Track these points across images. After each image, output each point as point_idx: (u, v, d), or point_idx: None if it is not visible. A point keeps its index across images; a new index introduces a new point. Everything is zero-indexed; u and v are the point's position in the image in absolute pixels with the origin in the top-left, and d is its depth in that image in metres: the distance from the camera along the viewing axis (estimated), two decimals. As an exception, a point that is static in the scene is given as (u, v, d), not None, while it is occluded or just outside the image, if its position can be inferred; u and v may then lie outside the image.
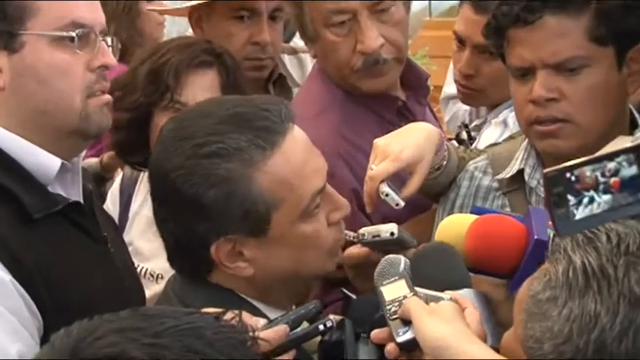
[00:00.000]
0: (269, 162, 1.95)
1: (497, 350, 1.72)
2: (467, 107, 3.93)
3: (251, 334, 1.44)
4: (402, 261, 1.94)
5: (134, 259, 2.67)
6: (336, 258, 2.11)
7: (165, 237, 2.05)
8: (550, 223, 1.79)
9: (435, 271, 1.95)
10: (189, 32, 3.53)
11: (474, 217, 2.09)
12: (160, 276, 2.78)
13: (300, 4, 2.77)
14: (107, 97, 2.25)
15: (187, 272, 2.05)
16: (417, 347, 1.72)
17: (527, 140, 2.46)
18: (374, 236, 2.25)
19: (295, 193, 1.97)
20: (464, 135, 3.50)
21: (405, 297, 1.80)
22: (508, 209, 2.41)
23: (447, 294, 1.85)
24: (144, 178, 2.97)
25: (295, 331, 1.84)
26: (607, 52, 2.32)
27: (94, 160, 3.65)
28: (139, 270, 2.78)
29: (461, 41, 3.40)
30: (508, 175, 2.47)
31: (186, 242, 1.99)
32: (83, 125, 2.19)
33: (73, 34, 2.15)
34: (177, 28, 5.40)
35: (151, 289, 2.65)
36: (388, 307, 1.80)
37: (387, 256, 1.97)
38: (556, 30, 2.29)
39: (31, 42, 2.14)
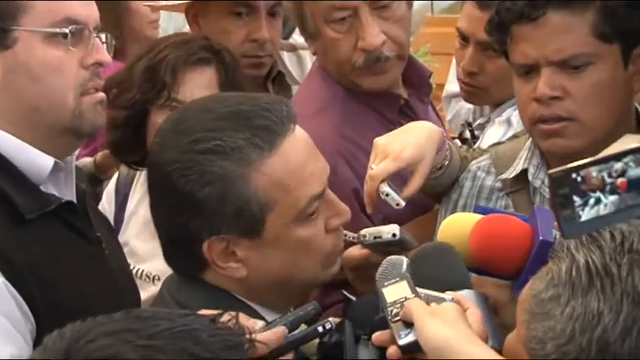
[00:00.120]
0: (266, 162, 1.93)
1: (499, 352, 1.72)
2: (470, 106, 3.91)
3: (248, 336, 1.44)
4: (405, 262, 1.93)
5: (130, 260, 2.67)
6: (333, 268, 2.08)
7: (160, 232, 2.04)
8: (555, 223, 1.77)
9: (434, 271, 1.93)
10: (186, 29, 3.52)
11: (478, 216, 2.08)
12: (156, 277, 2.77)
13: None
14: (101, 94, 2.23)
15: (182, 270, 2.04)
16: (420, 350, 1.71)
17: (531, 139, 2.44)
18: (375, 237, 2.23)
19: (291, 196, 1.95)
20: (467, 134, 3.49)
21: (406, 299, 1.79)
22: (512, 210, 2.39)
23: (449, 294, 1.84)
24: (140, 177, 2.96)
25: (294, 333, 1.82)
26: (612, 49, 2.30)
27: (88, 160, 3.63)
28: (134, 271, 2.78)
29: (464, 38, 3.38)
30: (511, 175, 2.46)
31: (179, 238, 1.98)
32: (76, 123, 2.18)
33: (67, 31, 2.14)
34: (173, 24, 5.38)
35: (148, 291, 2.64)
36: (389, 309, 1.78)
37: (389, 257, 1.96)
38: (560, 26, 2.27)
39: (23, 38, 2.13)
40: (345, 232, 2.15)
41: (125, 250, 2.68)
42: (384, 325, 1.79)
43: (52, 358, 1.34)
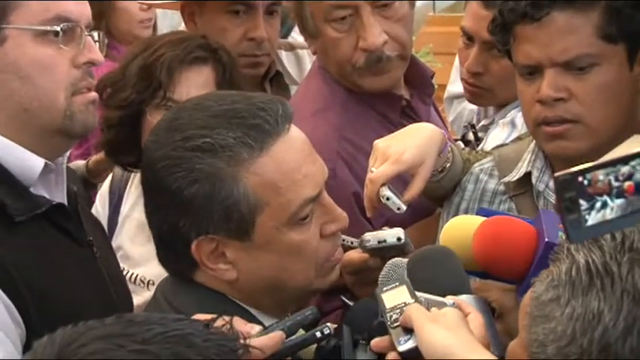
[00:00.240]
0: (257, 162, 1.90)
1: (501, 359, 1.72)
2: (473, 107, 3.90)
3: (242, 341, 1.42)
4: (406, 265, 1.92)
5: (124, 264, 2.66)
6: (331, 276, 2.05)
7: (153, 232, 2.02)
8: (561, 225, 1.74)
9: (433, 275, 1.91)
10: (182, 27, 3.50)
11: (481, 218, 2.07)
12: (150, 282, 2.75)
13: (301, -2, 2.75)
14: (93, 94, 2.21)
15: (174, 271, 2.02)
16: (420, 356, 1.69)
17: (534, 142, 2.43)
18: (380, 242, 2.22)
19: (282, 198, 1.91)
20: (470, 136, 3.48)
21: (405, 304, 1.77)
22: (515, 214, 2.37)
23: (450, 299, 1.82)
24: (135, 179, 2.94)
25: (291, 338, 1.80)
26: (617, 50, 2.28)
27: (82, 163, 3.60)
28: (128, 276, 2.77)
29: (469, 38, 3.36)
30: (515, 178, 2.44)
31: (169, 237, 1.96)
32: (68, 124, 2.16)
33: (58, 29, 2.12)
34: (168, 22, 5.34)
35: (142, 296, 2.63)
36: (389, 315, 1.77)
37: (391, 260, 1.96)
38: (564, 27, 2.26)
39: (13, 36, 2.10)
40: (344, 236, 2.13)
41: (119, 254, 2.67)
42: (382, 329, 1.77)
43: (43, 363, 1.33)
